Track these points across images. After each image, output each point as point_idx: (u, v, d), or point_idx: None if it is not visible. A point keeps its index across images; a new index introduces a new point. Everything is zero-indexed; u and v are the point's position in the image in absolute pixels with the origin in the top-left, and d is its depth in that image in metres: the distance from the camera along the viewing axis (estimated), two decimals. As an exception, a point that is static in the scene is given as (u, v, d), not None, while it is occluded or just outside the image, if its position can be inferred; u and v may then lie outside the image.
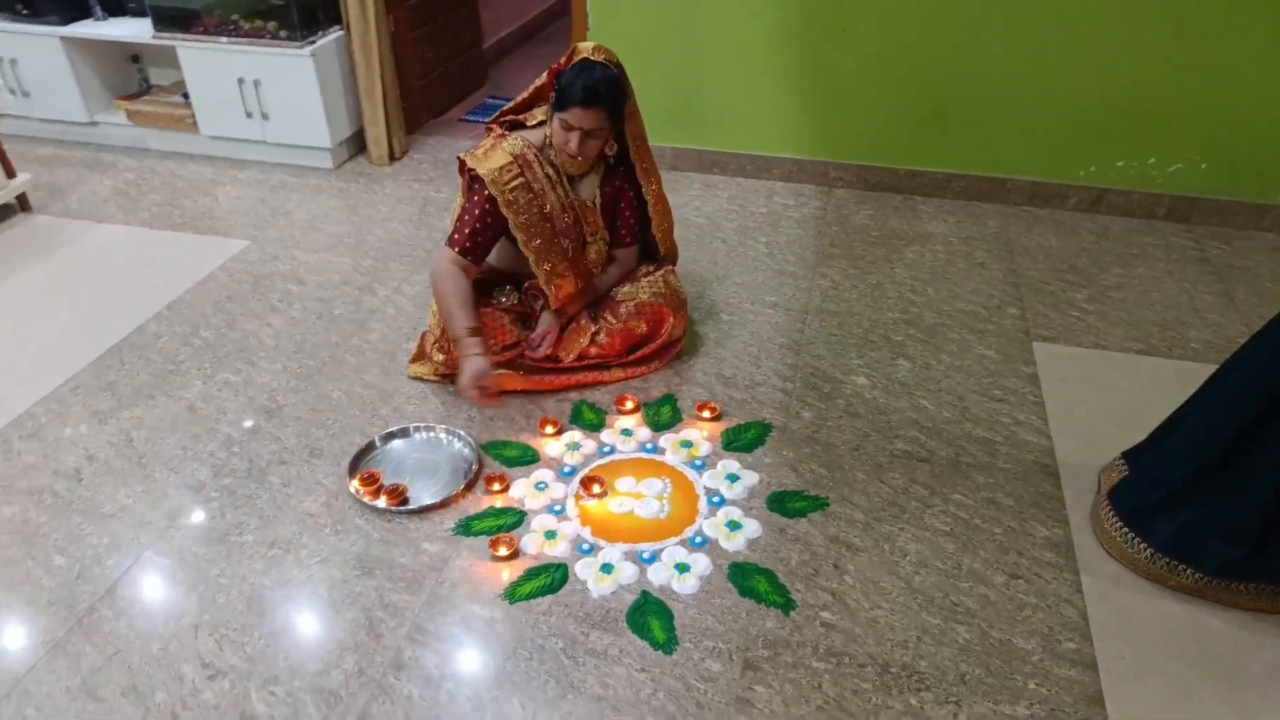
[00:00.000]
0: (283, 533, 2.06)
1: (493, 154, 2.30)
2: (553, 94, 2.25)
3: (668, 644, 1.79)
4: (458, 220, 2.35)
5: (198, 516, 2.11)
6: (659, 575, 1.93)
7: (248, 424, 2.38)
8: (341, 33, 3.71)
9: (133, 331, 2.79)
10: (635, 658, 1.76)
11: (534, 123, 2.42)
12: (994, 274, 3.02)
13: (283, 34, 3.62)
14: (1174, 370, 2.53)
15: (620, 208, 2.48)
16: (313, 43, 3.60)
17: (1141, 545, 1.90)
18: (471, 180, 2.36)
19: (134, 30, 3.83)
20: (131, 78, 4.22)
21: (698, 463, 2.23)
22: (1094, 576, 1.92)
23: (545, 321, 2.45)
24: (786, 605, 1.86)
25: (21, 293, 3.03)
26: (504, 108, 2.50)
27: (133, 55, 4.21)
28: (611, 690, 1.70)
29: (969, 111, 3.31)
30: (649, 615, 1.85)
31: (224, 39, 3.66)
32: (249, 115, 3.78)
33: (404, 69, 3.98)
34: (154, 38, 3.76)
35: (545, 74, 2.30)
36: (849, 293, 2.92)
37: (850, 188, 3.60)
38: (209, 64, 3.70)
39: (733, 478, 2.18)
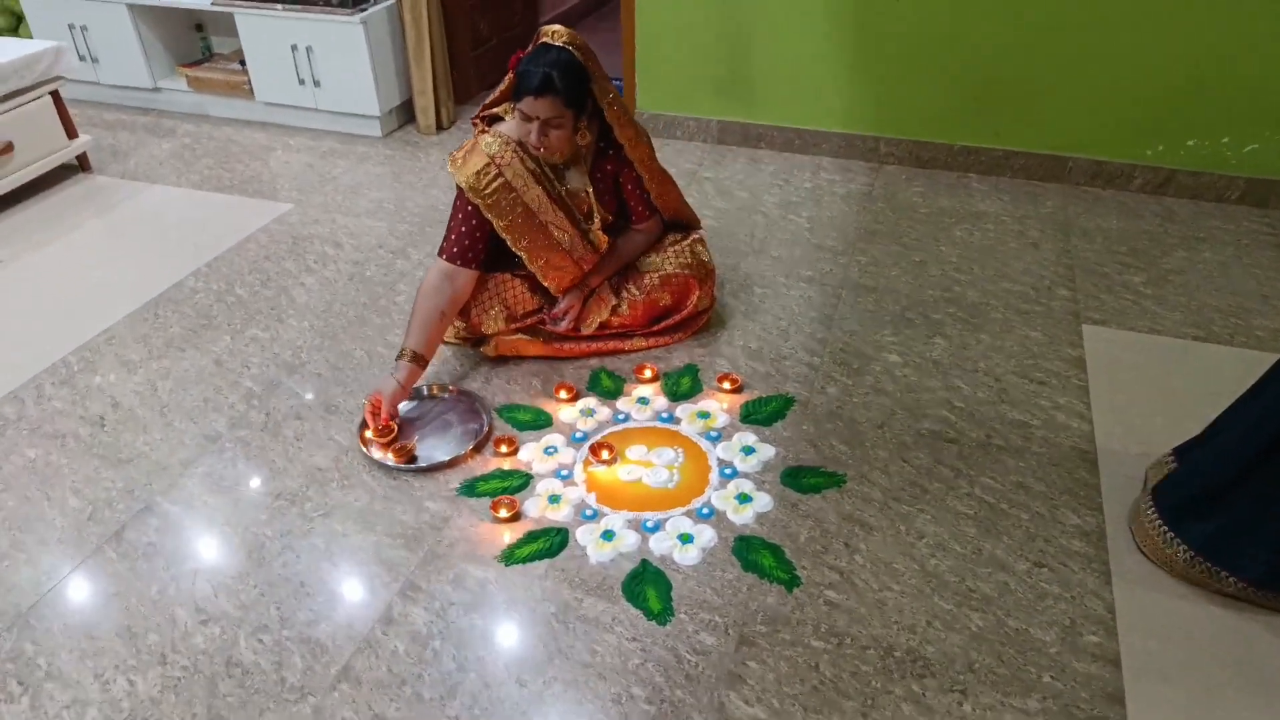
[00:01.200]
0: (290, 485, 2.06)
1: (470, 157, 2.17)
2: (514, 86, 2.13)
3: (662, 614, 1.72)
4: (447, 228, 2.26)
5: (210, 466, 2.12)
6: (661, 545, 1.86)
7: (268, 377, 2.39)
8: (393, 1, 3.71)
9: (172, 286, 2.83)
10: (627, 626, 1.70)
11: (510, 115, 2.27)
12: (1047, 254, 2.86)
13: (335, 1, 3.63)
14: (1235, 359, 2.35)
15: (625, 187, 2.37)
16: (364, 10, 3.61)
17: (1180, 546, 1.75)
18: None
19: (197, 0, 3.91)
20: (195, 46, 4.31)
21: (713, 434, 2.16)
22: (1126, 569, 1.79)
23: (568, 297, 2.38)
24: (790, 582, 1.78)
25: (72, 248, 3.11)
26: (486, 101, 2.35)
27: (196, 24, 4.29)
28: (599, 657, 1.65)
29: (1028, 86, 3.15)
30: (646, 584, 1.79)
31: (279, 5, 3.70)
32: (301, 82, 3.82)
33: (455, 39, 3.97)
34: (213, 4, 3.82)
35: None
36: (889, 269, 2.80)
37: (901, 164, 3.46)
38: (264, 30, 3.75)
39: (748, 450, 2.10)
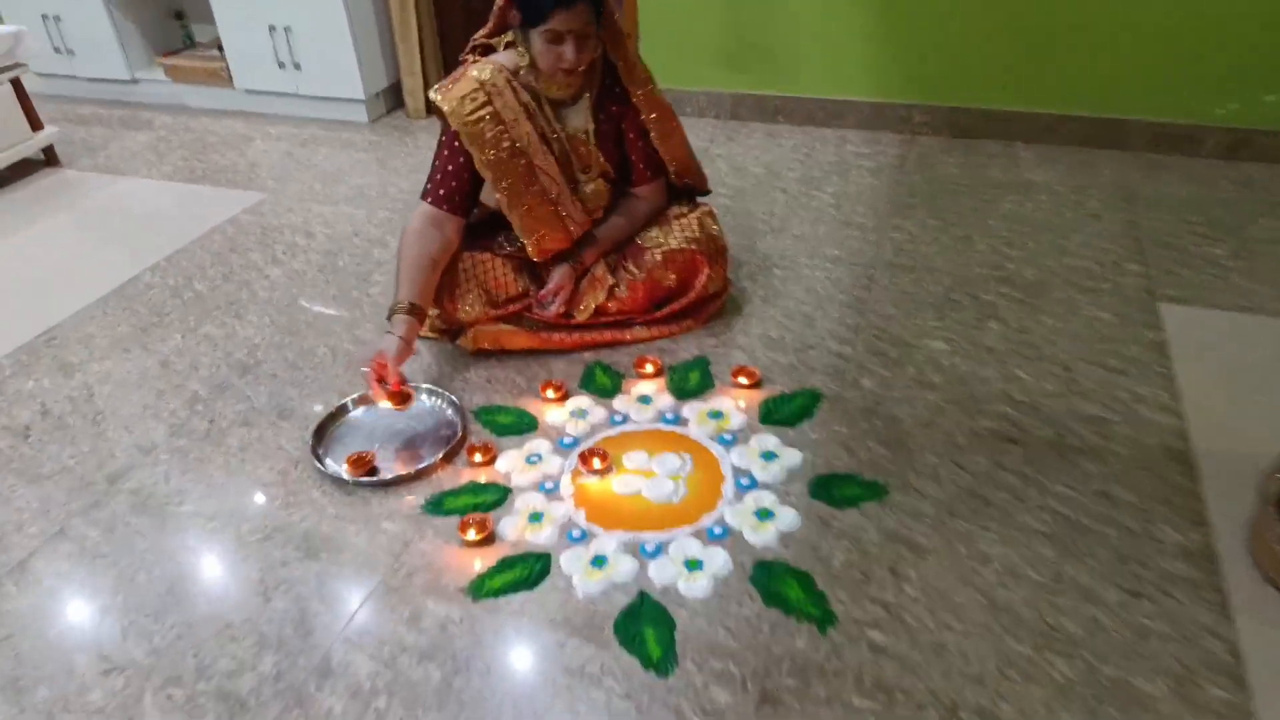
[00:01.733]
0: (227, 504, 1.74)
1: (458, 84, 1.92)
2: (516, 14, 1.86)
3: (663, 663, 1.38)
4: (432, 167, 1.99)
5: (140, 481, 1.81)
6: (663, 573, 1.52)
7: (217, 380, 2.08)
8: (377, -26, 3.42)
9: (126, 282, 2.54)
10: (619, 679, 1.37)
11: (504, 45, 2.00)
12: (1110, 226, 2.50)
13: (312, -26, 3.35)
14: (1350, 339, 1.98)
15: (628, 136, 2.07)
16: (344, -17, 3.32)
17: None
18: (444, 120, 2.00)
19: (169, -21, 3.64)
20: (175, 35, 4.05)
21: (727, 437, 1.82)
22: (1249, 601, 1.42)
23: (558, 274, 2.05)
24: (824, 620, 1.43)
25: (24, 244, 2.83)
26: (475, 36, 2.07)
27: (176, 11, 4.03)
28: None
29: (1080, 42, 2.79)
30: (644, 623, 1.45)
31: (253, -19, 3.42)
32: (281, 65, 3.53)
33: (445, 15, 3.66)
34: (185, -17, 3.55)
35: None
36: (927, 246, 2.45)
37: (936, 134, 3.10)
38: (241, 10, 3.47)
39: (769, 456, 1.76)
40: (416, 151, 3.32)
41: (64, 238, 2.87)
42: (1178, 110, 2.81)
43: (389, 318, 1.89)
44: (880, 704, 1.30)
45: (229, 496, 1.76)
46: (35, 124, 3.29)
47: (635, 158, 2.09)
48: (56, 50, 3.92)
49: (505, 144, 1.91)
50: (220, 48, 3.67)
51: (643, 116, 2.04)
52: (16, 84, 3.20)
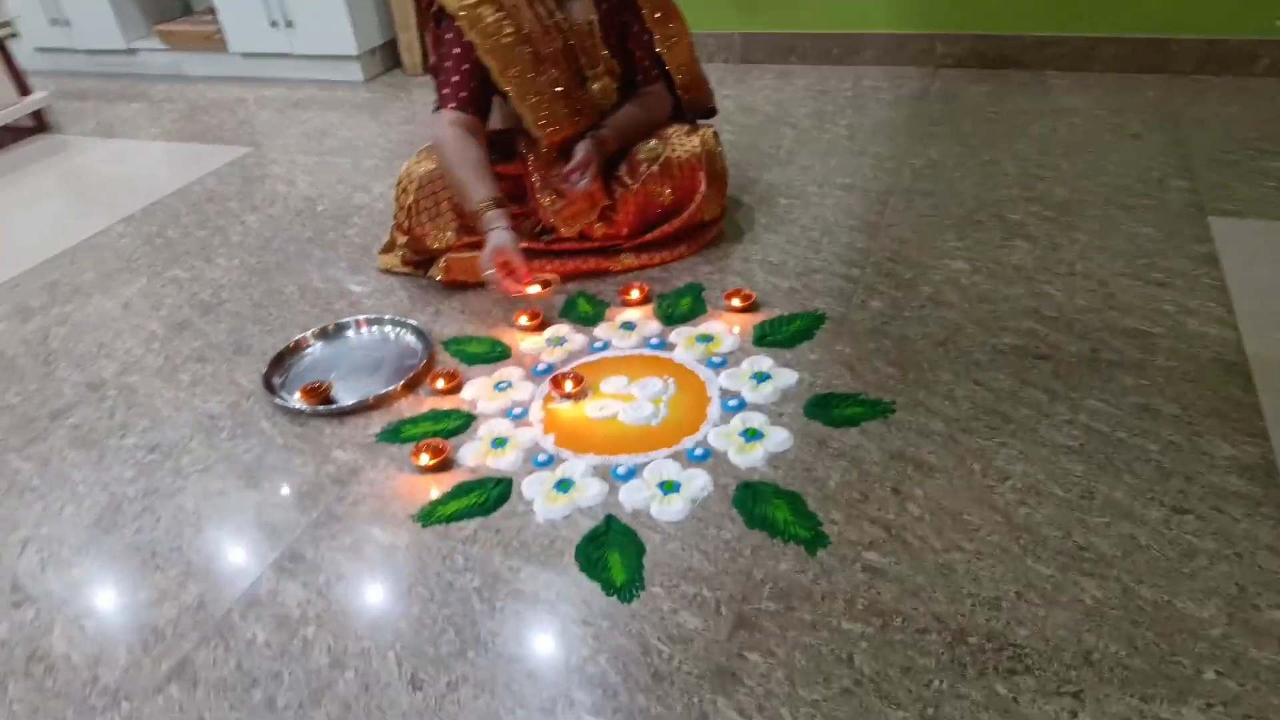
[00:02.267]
0: (171, 436, 1.60)
1: None
2: None
3: (627, 587, 1.21)
4: (441, 73, 1.85)
5: (83, 416, 1.68)
6: (635, 496, 1.35)
7: (177, 319, 1.95)
8: (371, -75, 3.29)
9: (97, 233, 2.43)
10: (577, 605, 1.19)
11: None
12: (1152, 145, 2.27)
13: (303, -76, 3.23)
14: None
15: (630, 29, 1.92)
16: (336, -66, 3.20)
17: None
18: (436, 18, 1.85)
19: (163, -59, 3.55)
20: (173, 3, 3.96)
21: (716, 360, 1.63)
22: (1315, 512, 1.21)
23: (583, 148, 1.85)
24: (814, 542, 1.24)
25: (6, 202, 2.74)
26: None
27: (175, -21, 3.95)
28: (532, 649, 1.14)
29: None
30: (609, 548, 1.27)
31: (245, -63, 3.31)
32: (274, 24, 3.42)
33: (446, -30, 3.53)
34: (177, -58, 3.46)
35: None
36: (951, 171, 2.24)
37: (962, 66, 2.89)
38: (231, -33, 3.36)
39: (761, 377, 1.57)
40: (411, 106, 3.18)
41: (44, 195, 2.78)
42: (1227, 25, 2.56)
43: (479, 219, 1.73)
44: (874, 628, 1.11)
45: (173, 430, 1.62)
46: (23, 89, 3.21)
47: (639, 52, 1.94)
48: (53, 22, 3.86)
49: (509, 30, 1.77)
50: (214, 12, 3.56)
51: (644, 12, 1.89)
52: (2, 47, 3.11)
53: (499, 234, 1.70)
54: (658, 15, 1.90)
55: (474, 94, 1.83)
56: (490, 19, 1.75)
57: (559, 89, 1.83)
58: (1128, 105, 2.51)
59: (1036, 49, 2.77)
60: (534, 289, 1.74)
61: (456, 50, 1.81)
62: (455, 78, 1.82)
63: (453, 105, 1.82)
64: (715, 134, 1.99)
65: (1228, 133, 2.29)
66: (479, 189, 1.74)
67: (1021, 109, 2.56)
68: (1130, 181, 2.10)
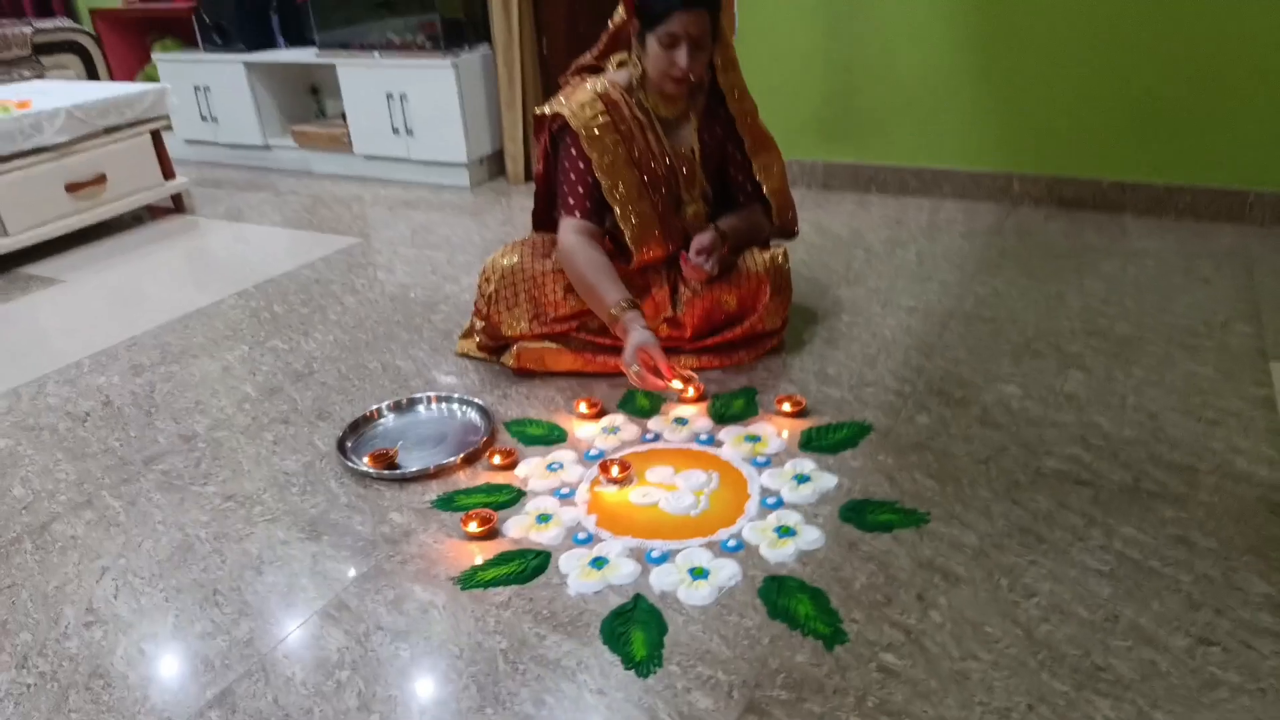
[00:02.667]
0: (247, 487, 1.73)
1: (575, 93, 1.96)
2: (635, 22, 1.89)
3: (646, 663, 1.25)
4: (562, 186, 1.98)
5: (171, 464, 1.83)
6: (665, 579, 1.40)
7: (270, 385, 2.12)
8: (488, 50, 3.62)
9: (212, 303, 2.66)
10: (595, 674, 1.24)
11: (615, 65, 2.06)
12: (1221, 290, 2.28)
13: (428, 45, 3.57)
14: None
15: (734, 156, 2.08)
16: (457, 55, 3.52)
17: None
18: (555, 136, 2.01)
19: (305, 55, 3.96)
20: (309, 108, 4.38)
21: (761, 459, 1.69)
22: (1351, 658, 1.18)
23: (709, 235, 1.97)
24: (833, 638, 1.27)
25: (133, 270, 3.03)
26: (579, 60, 2.13)
27: (312, 87, 4.37)
28: (546, 710, 1.19)
29: (1197, 110, 2.63)
30: (634, 625, 1.32)
31: (377, 53, 3.68)
32: (395, 131, 3.74)
33: (550, 84, 3.82)
34: (318, 56, 3.85)
35: (619, 10, 1.95)
36: (1014, 301, 2.29)
37: (1038, 204, 2.96)
38: (363, 80, 3.73)
39: (801, 479, 1.62)
40: (509, 210, 3.41)
41: (171, 267, 3.06)
42: (1307, 182, 2.59)
43: (618, 319, 1.83)
44: (882, 728, 1.13)
45: (249, 482, 1.75)
46: (168, 173, 3.57)
47: (740, 176, 2.09)
48: (204, 118, 4.30)
49: (621, 152, 1.93)
50: (344, 117, 3.92)
51: (747, 144, 2.04)
52: (155, 135, 3.49)
53: (641, 332, 1.79)
54: (757, 145, 2.05)
55: (595, 205, 1.95)
56: (608, 140, 1.91)
57: (658, 213, 1.97)
58: (1202, 251, 2.53)
59: (1114, 193, 2.83)
60: (677, 384, 1.80)
61: (582, 165, 1.94)
62: (580, 189, 1.95)
63: (578, 215, 1.95)
64: (785, 252, 2.10)
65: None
66: (612, 291, 1.85)
67: (1093, 247, 2.61)
68: (1194, 323, 2.11)
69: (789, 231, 2.21)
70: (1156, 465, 1.60)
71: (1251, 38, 2.49)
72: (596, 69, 2.09)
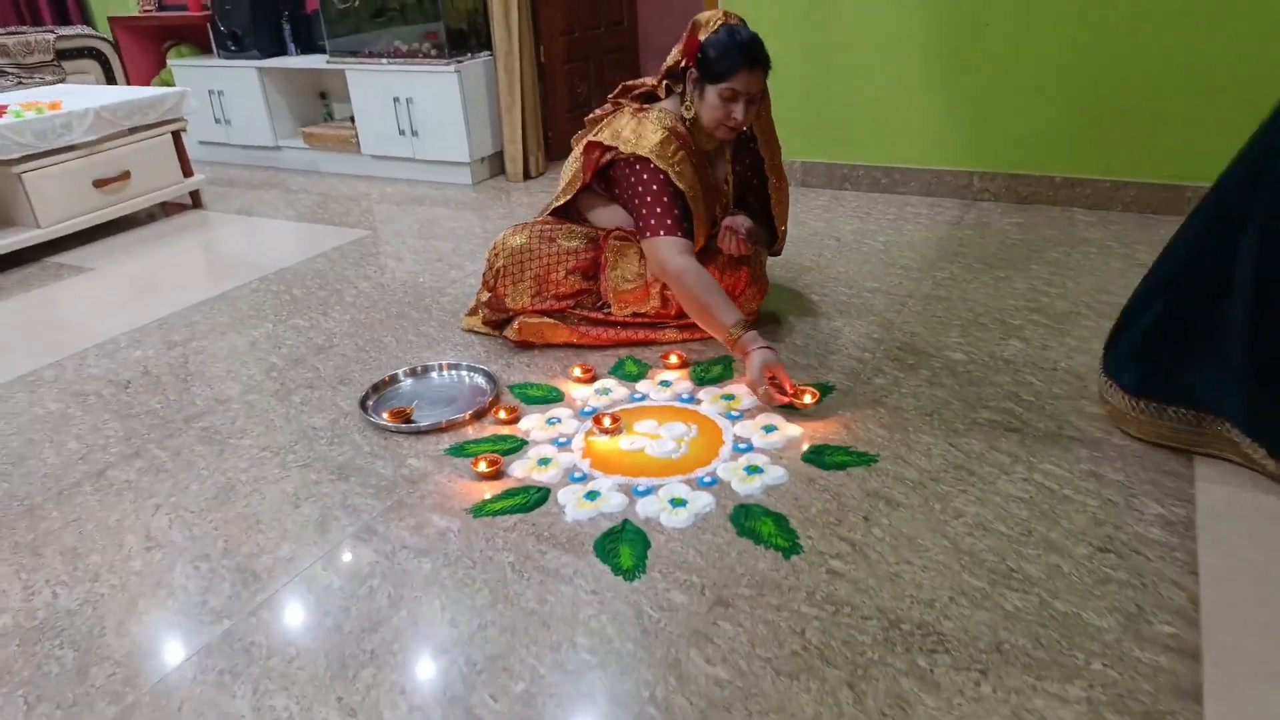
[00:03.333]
0: (280, 440, 1.96)
1: (645, 130, 2.11)
2: (694, 70, 2.07)
3: (632, 570, 1.48)
4: (655, 209, 2.09)
5: (210, 422, 2.05)
6: (649, 508, 1.63)
7: (295, 356, 2.35)
8: (489, 57, 3.85)
9: (235, 287, 2.88)
10: (589, 580, 1.46)
11: (664, 94, 2.23)
12: (1155, 273, 2.51)
13: (433, 53, 3.81)
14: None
15: (752, 184, 2.34)
16: (460, 62, 3.76)
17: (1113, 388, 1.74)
18: (616, 163, 2.17)
19: (316, 62, 4.19)
20: (318, 111, 4.60)
21: (735, 414, 1.92)
22: (1218, 558, 1.41)
23: (746, 221, 2.22)
24: (790, 550, 1.50)
25: (160, 261, 3.25)
26: (629, 84, 2.32)
27: (321, 92, 4.60)
28: (548, 606, 1.41)
29: (1144, 110, 2.87)
30: (622, 542, 1.55)
31: (384, 60, 3.91)
32: (401, 133, 3.97)
33: (552, 98, 4.07)
34: (328, 62, 4.08)
35: (678, 51, 2.13)
36: (967, 284, 2.53)
37: (997, 200, 3.20)
38: (370, 84, 3.96)
39: (769, 429, 1.85)
40: (509, 205, 3.64)
41: (191, 257, 3.29)
42: (1239, 178, 2.83)
43: (736, 340, 1.96)
44: (826, 613, 1.35)
45: (282, 436, 1.97)
46: (187, 171, 3.80)
47: (752, 199, 2.36)
48: (217, 120, 4.53)
49: (698, 183, 2.15)
50: (352, 119, 4.15)
51: (771, 183, 2.28)
52: (176, 136, 3.72)
53: (764, 352, 1.92)
54: (776, 186, 2.30)
55: (680, 221, 2.09)
56: (688, 173, 2.11)
57: (704, 231, 2.22)
58: (1142, 239, 2.77)
59: (1066, 188, 3.08)
60: (807, 399, 1.90)
61: (665, 191, 2.08)
62: (675, 211, 2.08)
63: (679, 234, 2.07)
64: (764, 256, 2.35)
65: (1229, 267, 2.53)
66: (729, 313, 1.98)
67: (1044, 237, 2.85)
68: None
69: (775, 254, 2.46)
70: (1080, 416, 1.83)
71: (1189, 48, 2.73)
72: (651, 95, 2.26)
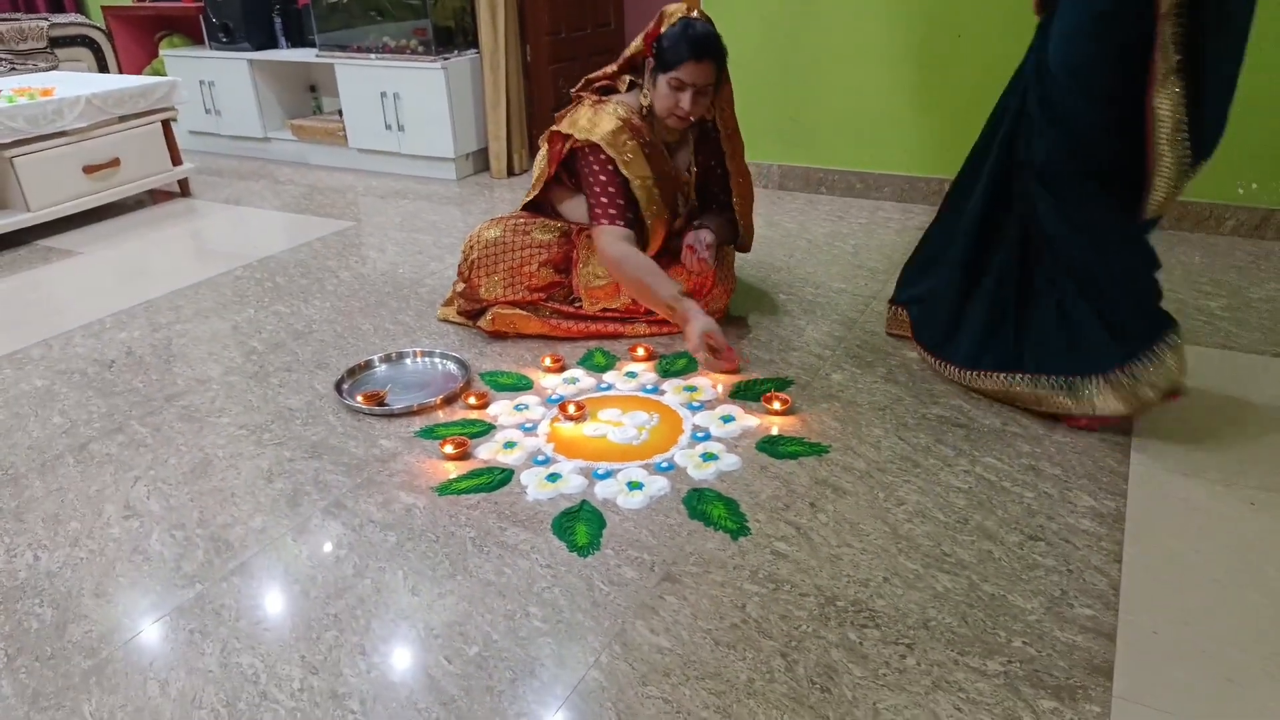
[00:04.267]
0: (257, 419, 2.02)
1: (600, 119, 2.20)
2: (651, 60, 2.17)
3: (587, 547, 1.55)
4: (600, 198, 2.21)
5: (190, 400, 2.12)
6: (606, 490, 1.70)
7: (275, 341, 2.41)
8: (475, 55, 3.92)
9: (220, 273, 2.95)
10: (545, 555, 1.54)
11: (625, 88, 2.31)
12: (1111, 281, 2.60)
13: (421, 49, 3.88)
14: (1319, 374, 2.03)
15: (715, 174, 2.40)
16: (447, 59, 3.83)
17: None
18: (576, 151, 2.26)
19: (306, 55, 4.25)
20: (307, 104, 4.66)
21: (696, 405, 2.00)
22: (1142, 548, 1.50)
23: (710, 236, 2.31)
24: (738, 532, 1.58)
25: (148, 247, 3.31)
26: (591, 76, 2.39)
27: (310, 85, 4.66)
28: (505, 578, 1.49)
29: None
30: (579, 521, 1.62)
31: (373, 55, 3.98)
32: (388, 127, 4.04)
33: (537, 96, 4.14)
34: (318, 56, 4.15)
35: (639, 40, 2.21)
36: (930, 286, 2.61)
37: (966, 207, 3.28)
38: (359, 79, 4.02)
39: (727, 419, 1.93)
40: (492, 201, 3.71)
41: (178, 244, 3.35)
42: (1199, 189, 2.92)
43: (676, 308, 2.10)
44: (767, 590, 1.43)
45: (259, 415, 2.04)
46: (175, 160, 3.86)
47: (717, 189, 2.42)
48: (207, 111, 4.58)
49: (646, 173, 2.21)
50: (340, 113, 4.22)
51: (732, 176, 2.34)
52: (165, 125, 3.77)
53: (703, 318, 2.05)
54: (739, 178, 2.36)
55: (623, 211, 2.21)
56: (637, 163, 2.19)
57: (663, 220, 2.28)
58: (1101, 249, 2.86)
59: (1031, 197, 3.16)
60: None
61: (605, 178, 2.19)
62: (620, 201, 2.19)
63: (620, 223, 2.19)
64: (732, 250, 2.43)
65: (1185, 277, 2.62)
66: (666, 285, 2.12)
67: (1009, 245, 2.93)
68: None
69: (744, 242, 2.51)
70: (1024, 414, 1.92)
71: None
72: (610, 89, 2.33)
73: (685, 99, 2.13)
